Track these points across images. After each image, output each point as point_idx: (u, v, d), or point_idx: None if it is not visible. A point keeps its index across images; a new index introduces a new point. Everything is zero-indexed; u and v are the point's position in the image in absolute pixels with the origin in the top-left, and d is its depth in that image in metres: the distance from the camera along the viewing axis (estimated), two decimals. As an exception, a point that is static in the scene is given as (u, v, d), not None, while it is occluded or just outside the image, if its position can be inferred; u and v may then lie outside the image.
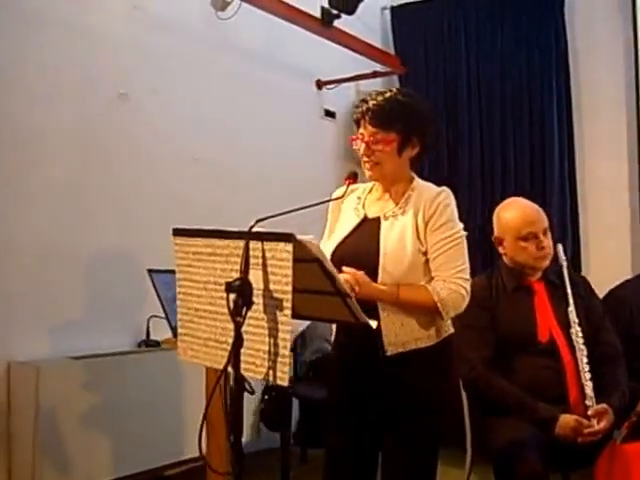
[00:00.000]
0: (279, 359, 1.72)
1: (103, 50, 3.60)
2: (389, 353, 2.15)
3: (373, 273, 2.12)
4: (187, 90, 4.03)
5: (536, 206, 2.86)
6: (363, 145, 2.23)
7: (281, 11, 4.03)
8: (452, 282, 2.14)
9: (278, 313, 1.72)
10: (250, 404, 3.94)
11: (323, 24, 4.27)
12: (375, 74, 5.01)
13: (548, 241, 2.80)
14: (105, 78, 3.62)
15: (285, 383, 1.71)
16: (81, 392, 3.17)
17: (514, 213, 2.83)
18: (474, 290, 2.75)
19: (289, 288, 1.69)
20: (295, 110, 4.80)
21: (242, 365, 1.78)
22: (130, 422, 3.27)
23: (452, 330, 2.27)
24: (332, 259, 2.20)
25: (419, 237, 2.17)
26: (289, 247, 1.68)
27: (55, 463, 3.05)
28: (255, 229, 1.77)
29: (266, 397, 3.97)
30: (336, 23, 4.53)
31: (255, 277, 1.75)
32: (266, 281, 1.73)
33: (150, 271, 2.71)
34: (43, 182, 3.34)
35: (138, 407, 3.29)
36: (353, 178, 2.24)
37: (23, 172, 3.27)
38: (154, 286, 2.66)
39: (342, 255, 2.21)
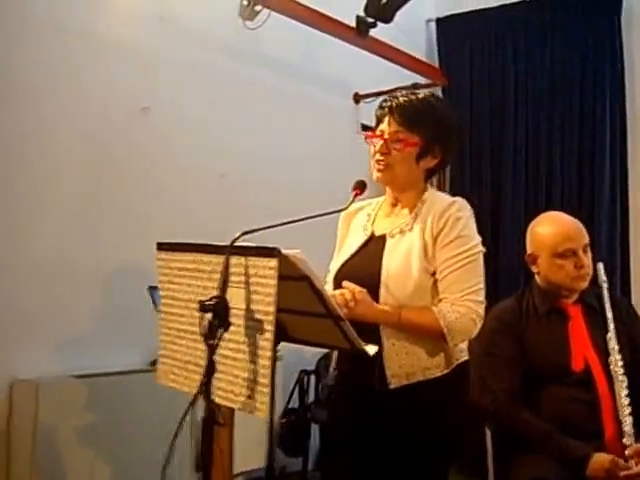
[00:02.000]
0: (258, 388, 1.54)
1: (128, 62, 3.50)
2: (392, 386, 1.95)
3: (376, 295, 1.94)
4: (215, 103, 3.89)
5: (576, 220, 2.60)
6: (381, 142, 2.04)
7: (312, 19, 3.86)
8: (461, 305, 1.92)
9: (259, 337, 1.55)
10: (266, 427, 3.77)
11: (359, 34, 4.09)
12: (416, 86, 4.80)
13: (588, 260, 2.55)
14: (128, 91, 3.51)
15: (264, 415, 1.53)
16: (82, 412, 3.03)
17: (551, 228, 2.58)
18: (500, 314, 2.57)
19: (272, 309, 1.52)
20: (331, 125, 4.61)
21: (220, 393, 1.63)
22: (133, 444, 3.11)
23: (465, 357, 2.05)
24: (335, 280, 2.04)
25: (427, 256, 1.96)
26: (273, 263, 1.52)
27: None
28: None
29: (283, 421, 3.79)
30: (379, 35, 4.38)
31: (236, 296, 1.59)
32: (248, 300, 1.57)
33: (151, 288, 2.57)
34: (55, 196, 3.24)
35: (143, 429, 3.12)
36: (361, 188, 2.05)
37: (35, 186, 3.16)
38: (154, 303, 2.52)
39: (345, 276, 2.03)
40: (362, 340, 1.80)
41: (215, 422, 1.51)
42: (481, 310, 1.94)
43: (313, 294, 1.61)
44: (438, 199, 2.05)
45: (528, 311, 2.58)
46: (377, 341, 1.93)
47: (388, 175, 2.05)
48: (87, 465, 3.03)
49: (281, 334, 1.84)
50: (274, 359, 1.56)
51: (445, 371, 1.98)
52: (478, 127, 5.08)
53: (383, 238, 2.06)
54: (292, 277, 1.58)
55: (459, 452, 2.07)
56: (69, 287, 3.26)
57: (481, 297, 1.96)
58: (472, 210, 2.05)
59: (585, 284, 2.56)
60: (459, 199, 2.04)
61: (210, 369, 1.50)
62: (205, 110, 3.84)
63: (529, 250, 2.64)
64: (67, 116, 3.27)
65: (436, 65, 5.30)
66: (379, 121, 2.09)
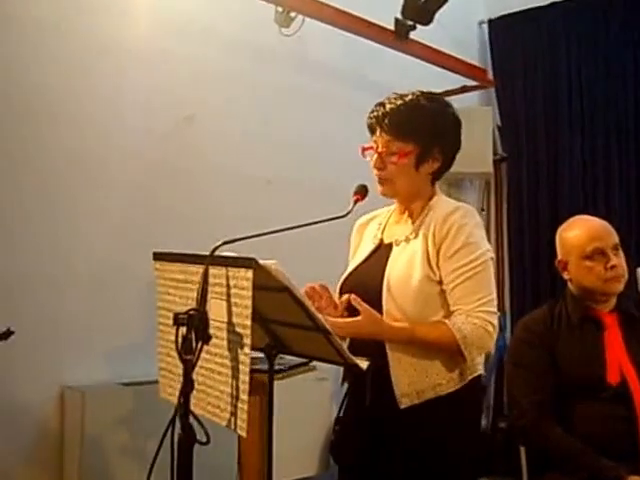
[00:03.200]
0: (239, 405, 1.49)
1: (168, 72, 3.52)
2: (403, 406, 1.84)
3: (379, 304, 1.84)
4: (259, 110, 3.87)
5: (603, 221, 2.46)
6: (375, 156, 1.95)
7: (348, 24, 3.78)
8: (476, 316, 1.80)
9: (239, 351, 1.49)
10: (320, 434, 3.69)
11: (398, 37, 3.99)
12: (464, 89, 4.69)
13: (619, 260, 2.38)
14: (170, 100, 3.53)
15: (244, 434, 1.47)
16: (128, 419, 3.04)
17: (577, 230, 2.43)
18: (530, 323, 2.44)
19: (249, 322, 1.46)
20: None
21: (209, 408, 1.59)
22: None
23: (480, 371, 1.92)
24: (341, 289, 1.97)
25: (430, 264, 1.85)
26: (249, 274, 1.45)
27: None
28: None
29: (337, 428, 3.72)
30: (429, 39, 4.27)
31: (218, 308, 1.54)
32: (230, 313, 1.51)
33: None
34: (102, 205, 3.28)
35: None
36: (362, 193, 1.97)
37: (82, 194, 3.22)
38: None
39: (350, 285, 1.96)
40: (367, 356, 1.76)
41: (194, 441, 1.44)
42: (495, 321, 1.82)
43: (297, 306, 1.54)
44: (442, 205, 1.94)
45: (560, 320, 2.42)
46: (382, 358, 1.84)
47: (390, 189, 1.97)
48: (134, 472, 3.01)
49: (279, 346, 1.80)
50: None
51: (457, 386, 1.87)
52: (533, 127, 4.94)
53: (390, 246, 1.97)
54: (274, 288, 1.52)
55: (478, 471, 1.96)
56: (117, 296, 3.30)
57: (493, 308, 1.84)
58: (478, 216, 1.93)
59: (620, 286, 2.38)
60: (464, 205, 1.93)
61: (186, 386, 1.44)
62: (250, 117, 3.83)
63: (559, 256, 2.49)
64: (112, 126, 3.31)
65: (488, 67, 5.16)
66: (372, 131, 2.00)
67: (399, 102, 1.95)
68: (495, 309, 1.85)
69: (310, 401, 3.56)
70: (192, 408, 1.57)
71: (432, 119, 1.94)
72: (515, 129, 5.02)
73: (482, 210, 5.21)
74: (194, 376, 1.57)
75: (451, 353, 1.83)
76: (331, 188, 4.07)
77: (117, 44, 3.31)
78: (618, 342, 2.35)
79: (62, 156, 3.16)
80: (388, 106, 1.95)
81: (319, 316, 1.57)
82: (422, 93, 1.99)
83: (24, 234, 3.06)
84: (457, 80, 4.72)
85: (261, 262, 1.45)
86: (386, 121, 1.93)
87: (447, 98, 4.51)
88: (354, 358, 1.62)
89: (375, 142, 1.97)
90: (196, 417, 1.49)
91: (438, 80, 4.55)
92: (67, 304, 3.15)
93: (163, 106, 3.49)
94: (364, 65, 4.36)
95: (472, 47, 5.21)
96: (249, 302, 1.45)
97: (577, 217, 2.53)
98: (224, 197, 3.70)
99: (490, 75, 5.09)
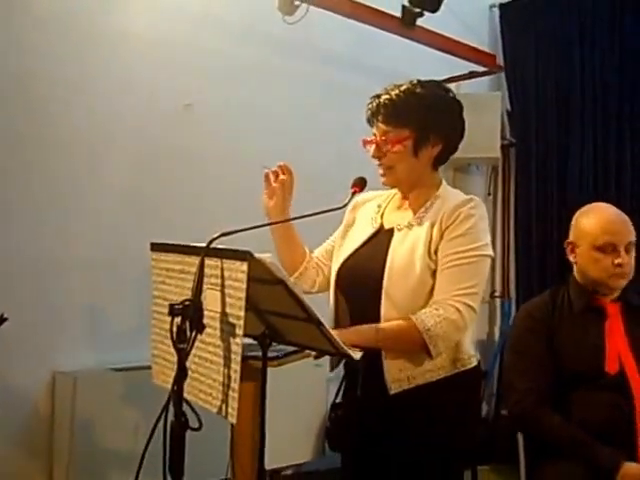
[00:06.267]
0: (230, 393, 1.51)
1: (170, 60, 3.54)
2: (393, 391, 1.85)
3: (377, 292, 1.85)
4: (260, 98, 3.88)
5: (624, 216, 2.41)
6: (373, 146, 1.96)
7: (353, 11, 3.77)
8: (447, 306, 1.79)
9: (232, 340, 1.51)
10: (316, 420, 3.74)
11: (404, 24, 3.97)
12: (472, 74, 4.66)
13: (629, 259, 2.36)
14: (171, 89, 3.55)
15: (234, 421, 1.50)
16: (119, 404, 3.09)
17: (595, 219, 2.39)
18: (531, 310, 2.44)
19: (242, 313, 1.48)
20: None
21: (202, 396, 1.62)
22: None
23: (474, 362, 1.93)
24: (339, 273, 1.99)
25: (430, 252, 1.85)
26: (244, 266, 1.47)
27: (89, 477, 3.00)
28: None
29: (333, 415, 3.75)
30: (439, 24, 4.24)
31: (213, 298, 1.56)
32: (224, 303, 1.54)
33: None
34: (99, 194, 3.32)
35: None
36: (360, 185, 1.98)
37: (80, 184, 3.27)
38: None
39: (349, 269, 1.98)
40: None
41: (187, 427, 1.47)
42: (468, 315, 1.80)
43: (291, 298, 1.56)
44: (453, 195, 1.95)
45: (562, 308, 2.42)
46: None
47: (391, 178, 1.99)
48: (123, 456, 3.05)
49: (274, 335, 1.82)
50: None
51: (449, 373, 1.88)
52: (543, 113, 4.88)
53: (391, 231, 1.97)
54: (269, 281, 1.54)
55: (470, 461, 1.97)
56: (108, 283, 3.34)
57: (473, 302, 1.81)
58: (485, 209, 1.93)
59: (623, 282, 2.37)
60: (475, 197, 1.93)
61: (180, 374, 1.47)
62: (250, 105, 3.83)
63: (570, 238, 2.47)
64: (112, 114, 3.34)
65: (499, 51, 5.10)
66: (371, 124, 2.01)
67: (394, 92, 1.95)
68: (473, 304, 1.81)
69: (306, 387, 3.58)
70: (185, 395, 1.60)
71: (427, 104, 1.94)
72: (525, 114, 4.96)
73: (489, 194, 5.17)
74: (187, 364, 1.60)
75: (420, 352, 1.81)
76: (337, 177, 4.08)
77: (117, 31, 3.34)
78: (619, 331, 2.35)
79: (65, 140, 3.21)
80: (383, 97, 1.96)
81: (312, 308, 1.59)
82: (419, 81, 1.99)
83: (17, 224, 3.10)
84: (466, 66, 4.69)
85: (256, 255, 1.46)
86: (382, 111, 1.95)
87: (456, 84, 4.56)
88: (347, 348, 1.64)
89: (374, 134, 1.98)
90: (189, 404, 1.52)
91: (447, 66, 4.54)
92: (59, 291, 3.20)
93: (164, 95, 3.51)
94: (371, 53, 4.35)
95: (482, 31, 5.16)
96: (243, 294, 1.47)
97: (599, 204, 2.48)
98: (224, 184, 3.72)
99: (500, 60, 5.04)
